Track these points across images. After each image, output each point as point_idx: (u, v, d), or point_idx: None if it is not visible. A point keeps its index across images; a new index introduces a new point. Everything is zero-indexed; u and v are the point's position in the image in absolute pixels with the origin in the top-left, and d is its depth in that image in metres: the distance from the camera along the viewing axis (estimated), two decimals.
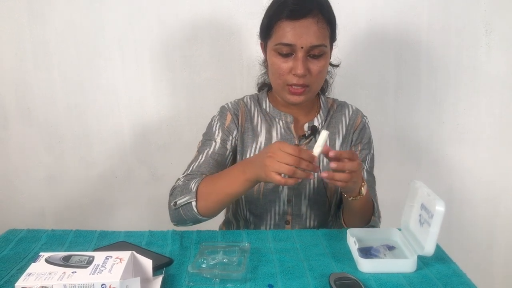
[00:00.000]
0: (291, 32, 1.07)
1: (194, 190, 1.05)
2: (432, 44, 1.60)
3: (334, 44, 1.18)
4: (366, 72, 1.63)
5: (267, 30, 1.13)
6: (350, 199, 1.06)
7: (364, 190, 1.04)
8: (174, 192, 1.10)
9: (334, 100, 1.29)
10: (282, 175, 0.92)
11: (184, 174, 1.14)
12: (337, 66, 1.27)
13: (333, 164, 0.94)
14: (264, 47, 1.19)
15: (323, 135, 0.93)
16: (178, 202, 1.06)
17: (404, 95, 1.65)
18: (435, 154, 1.70)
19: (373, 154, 1.26)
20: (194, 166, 1.15)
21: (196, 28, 1.58)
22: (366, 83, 1.64)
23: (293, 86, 1.11)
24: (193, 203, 1.04)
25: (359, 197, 1.05)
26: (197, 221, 1.08)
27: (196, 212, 1.04)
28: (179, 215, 1.07)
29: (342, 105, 1.27)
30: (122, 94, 1.64)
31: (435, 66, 1.62)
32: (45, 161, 1.68)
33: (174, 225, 1.11)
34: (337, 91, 1.32)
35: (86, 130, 1.66)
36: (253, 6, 1.52)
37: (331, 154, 0.93)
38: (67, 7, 1.56)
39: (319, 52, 1.09)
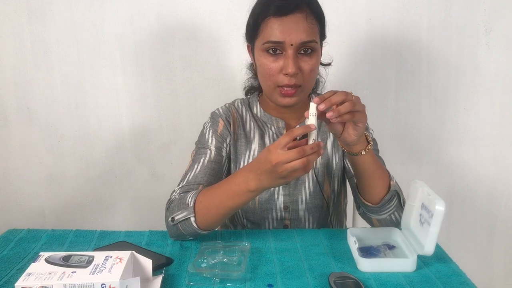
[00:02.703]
0: (279, 29, 1.02)
1: (191, 205, 0.99)
2: (432, 43, 1.60)
3: (324, 42, 1.13)
4: (366, 71, 1.63)
5: (253, 30, 1.08)
6: (363, 153, 0.98)
7: (369, 138, 0.99)
8: (171, 206, 1.04)
9: None
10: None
11: (180, 186, 1.10)
12: (328, 65, 1.22)
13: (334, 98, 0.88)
14: (251, 49, 1.14)
15: (312, 108, 0.88)
16: (176, 218, 1.01)
17: (404, 94, 1.65)
18: (436, 153, 1.70)
19: (374, 139, 1.19)
20: (190, 177, 1.11)
21: (196, 27, 1.58)
22: (366, 82, 1.64)
23: (284, 88, 1.06)
24: (192, 219, 0.99)
25: (369, 147, 0.98)
26: (197, 235, 1.03)
27: (196, 227, 0.99)
28: (178, 230, 1.02)
29: None
30: (122, 94, 1.64)
31: (435, 65, 1.62)
32: (45, 161, 1.68)
33: (173, 240, 1.06)
34: None
35: (86, 130, 1.66)
36: (253, 5, 1.52)
37: (322, 106, 0.87)
38: (67, 7, 1.56)
39: (310, 49, 1.05)
